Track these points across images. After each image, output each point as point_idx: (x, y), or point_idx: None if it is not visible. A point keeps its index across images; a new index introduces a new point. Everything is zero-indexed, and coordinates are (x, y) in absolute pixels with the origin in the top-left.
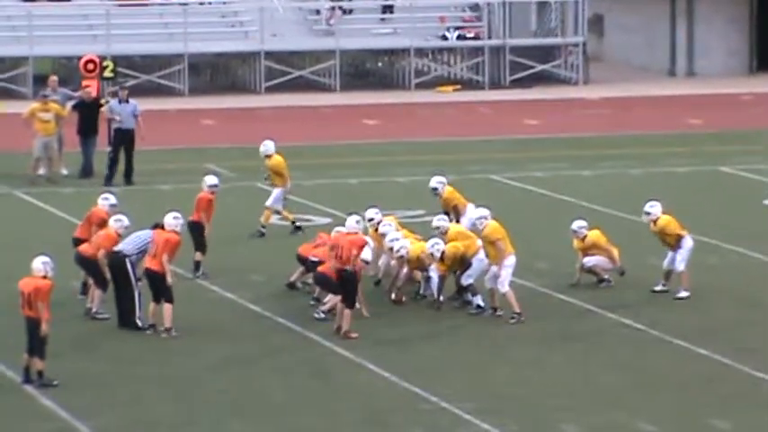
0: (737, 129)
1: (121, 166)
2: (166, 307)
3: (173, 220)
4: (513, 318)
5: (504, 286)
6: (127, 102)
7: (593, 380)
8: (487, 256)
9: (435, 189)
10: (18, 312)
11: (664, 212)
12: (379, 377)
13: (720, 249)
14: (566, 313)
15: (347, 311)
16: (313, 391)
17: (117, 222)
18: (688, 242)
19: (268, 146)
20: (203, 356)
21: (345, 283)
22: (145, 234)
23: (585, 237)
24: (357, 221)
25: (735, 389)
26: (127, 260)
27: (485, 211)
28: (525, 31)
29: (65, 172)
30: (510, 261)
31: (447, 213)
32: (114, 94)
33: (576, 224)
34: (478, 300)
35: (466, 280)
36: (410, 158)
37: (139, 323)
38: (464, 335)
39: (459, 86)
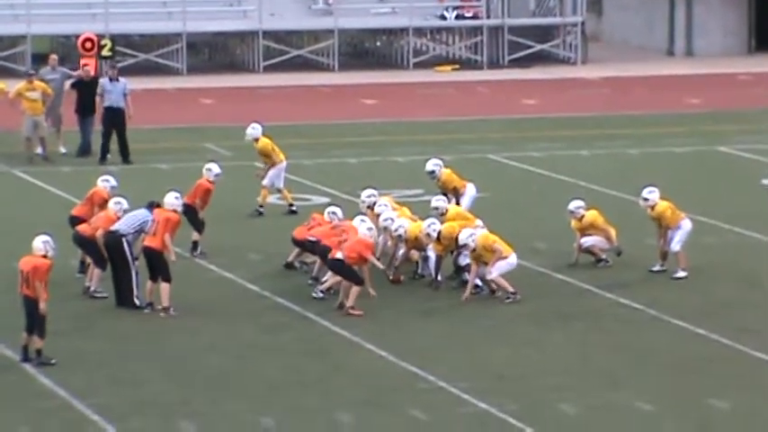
0: (736, 108)
1: (117, 146)
2: (164, 286)
3: (174, 200)
4: (508, 298)
5: (491, 274)
6: (117, 80)
7: (591, 360)
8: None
9: (432, 172)
10: (17, 291)
11: (662, 197)
12: (377, 356)
13: (718, 229)
14: (564, 293)
15: (355, 288)
16: (310, 370)
17: (116, 205)
18: (687, 224)
19: (257, 129)
20: (201, 336)
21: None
22: (141, 213)
23: (583, 217)
24: (369, 229)
25: (733, 369)
26: (123, 239)
27: (470, 231)
28: (524, 11)
29: (63, 150)
30: (512, 259)
31: (446, 194)
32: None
33: (573, 204)
34: (476, 279)
35: (463, 260)
36: (409, 138)
37: (137, 302)
38: (462, 314)
39: (457, 66)
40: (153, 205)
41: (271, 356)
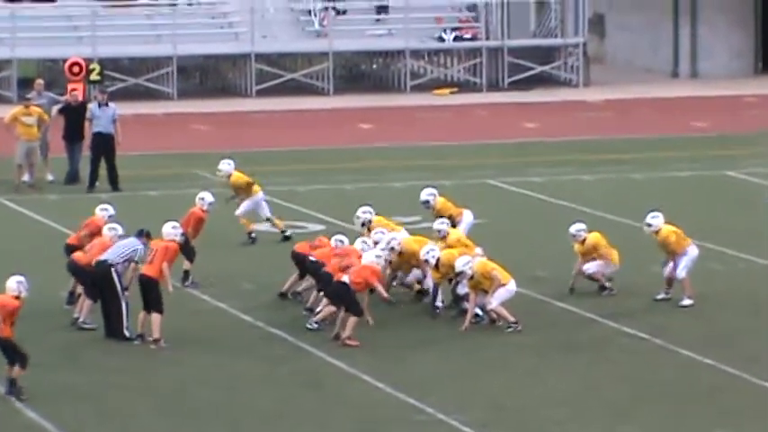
0: (742, 132)
1: (105, 173)
2: (155, 317)
3: (172, 230)
4: (509, 327)
5: (491, 304)
6: (107, 105)
7: (594, 391)
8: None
9: (426, 202)
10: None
11: (667, 222)
12: (374, 388)
13: (725, 256)
14: (566, 322)
15: (352, 319)
16: (305, 402)
17: (111, 231)
18: (693, 251)
19: (230, 165)
20: (192, 367)
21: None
22: (130, 242)
23: (585, 240)
24: (378, 256)
25: (741, 399)
26: (112, 269)
27: (466, 258)
28: (524, 32)
29: (50, 178)
30: (511, 286)
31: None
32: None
33: (575, 227)
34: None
35: (461, 288)
36: (406, 163)
37: (127, 333)
38: (461, 345)
39: (456, 89)
40: (143, 234)
41: (264, 388)
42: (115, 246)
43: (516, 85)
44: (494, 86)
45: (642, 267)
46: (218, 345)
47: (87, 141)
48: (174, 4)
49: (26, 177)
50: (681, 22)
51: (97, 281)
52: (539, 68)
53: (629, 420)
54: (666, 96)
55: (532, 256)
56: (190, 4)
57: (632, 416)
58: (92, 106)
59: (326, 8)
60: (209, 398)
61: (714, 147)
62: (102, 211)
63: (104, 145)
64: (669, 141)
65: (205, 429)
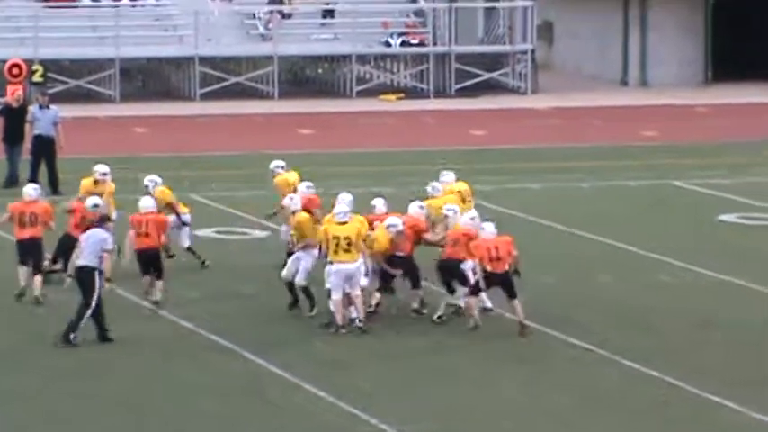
0: (692, 141)
1: (46, 176)
2: (159, 283)
3: (151, 202)
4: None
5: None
6: (48, 108)
7: (541, 402)
8: None
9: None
10: None
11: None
12: (317, 397)
13: (673, 267)
14: (512, 332)
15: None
16: (247, 409)
17: (94, 208)
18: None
19: (158, 182)
20: (133, 373)
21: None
22: (96, 234)
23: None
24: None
25: (686, 412)
26: (95, 272)
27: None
28: (472, 38)
29: None
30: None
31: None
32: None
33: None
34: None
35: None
36: (351, 169)
37: (72, 339)
38: (407, 354)
39: (402, 95)
40: (105, 220)
41: (208, 395)
42: (85, 246)
43: (464, 92)
44: (441, 93)
45: (588, 278)
46: (162, 351)
47: (28, 144)
48: (117, 6)
49: None
50: (630, 30)
51: (80, 285)
52: (486, 75)
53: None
54: (615, 105)
55: None
56: (133, 6)
57: (578, 427)
58: (32, 108)
59: (272, 12)
60: (152, 404)
61: (663, 156)
62: (93, 208)
63: (45, 148)
64: (618, 150)
65: None
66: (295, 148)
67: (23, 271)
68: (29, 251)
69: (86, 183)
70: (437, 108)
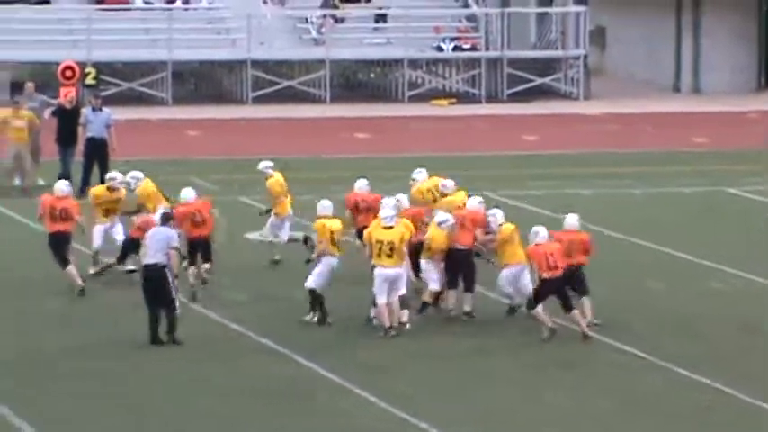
0: (744, 148)
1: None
2: (207, 266)
3: (190, 193)
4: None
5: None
6: (100, 110)
7: (586, 407)
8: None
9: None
10: None
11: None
12: (366, 402)
13: (724, 274)
14: (559, 337)
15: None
16: (295, 413)
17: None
18: None
19: (140, 176)
20: (182, 377)
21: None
22: (162, 232)
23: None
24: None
25: (730, 417)
26: (166, 270)
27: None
28: (524, 43)
29: (41, 182)
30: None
31: None
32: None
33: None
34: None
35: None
36: (402, 173)
37: (178, 338)
38: (454, 358)
39: (454, 100)
40: (167, 218)
41: (255, 397)
42: (152, 243)
43: (516, 97)
44: (493, 98)
45: (639, 284)
46: (209, 354)
47: (80, 146)
48: (170, 9)
49: (17, 181)
50: (683, 36)
51: (150, 284)
52: (539, 80)
53: None
54: (667, 111)
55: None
56: (186, 9)
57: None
58: (85, 111)
59: (325, 16)
60: (200, 406)
61: (715, 163)
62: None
63: (97, 150)
64: (669, 156)
65: None
66: (348, 152)
67: (71, 268)
68: (59, 244)
69: (98, 191)
70: (489, 113)
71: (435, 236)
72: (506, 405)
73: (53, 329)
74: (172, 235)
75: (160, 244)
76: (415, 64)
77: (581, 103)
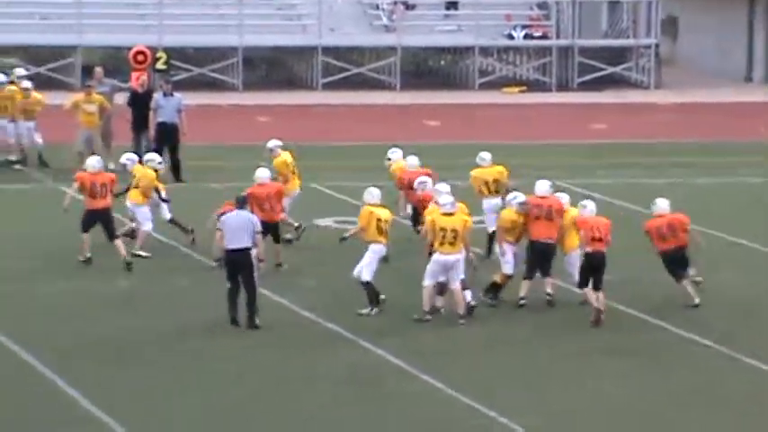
0: None
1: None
2: (279, 247)
3: (266, 173)
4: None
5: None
6: (171, 95)
7: (656, 400)
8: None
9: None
10: None
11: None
12: (433, 388)
13: None
14: (630, 326)
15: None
16: (362, 399)
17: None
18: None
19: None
20: (255, 361)
21: None
22: (245, 216)
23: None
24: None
25: None
26: (251, 254)
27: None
28: (595, 32)
29: (112, 166)
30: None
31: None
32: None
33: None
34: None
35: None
36: (471, 161)
37: (258, 322)
38: (520, 345)
39: (524, 88)
40: (243, 202)
41: (320, 386)
42: (238, 228)
43: (586, 86)
44: (563, 86)
45: (711, 274)
46: (277, 340)
47: (152, 131)
48: None
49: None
50: (756, 26)
51: (235, 268)
52: (609, 69)
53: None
54: (739, 101)
55: None
56: None
57: (690, 428)
58: (156, 96)
59: (396, 2)
60: (258, 390)
61: None
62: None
63: (168, 135)
64: (739, 147)
65: (250, 424)
66: (419, 139)
67: (87, 238)
68: (102, 220)
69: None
70: (559, 101)
71: (505, 214)
72: (572, 393)
73: (121, 313)
74: (254, 219)
75: (246, 228)
76: (485, 51)
77: (652, 92)
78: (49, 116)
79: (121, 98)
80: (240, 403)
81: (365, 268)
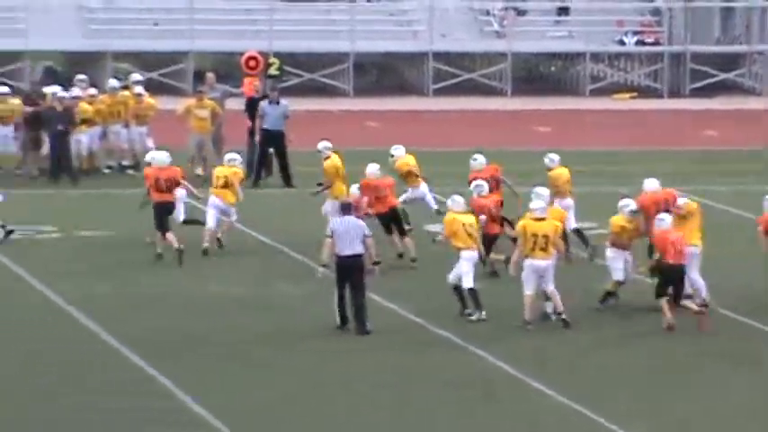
0: None
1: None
2: (408, 240)
3: (376, 169)
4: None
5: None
6: (277, 103)
7: (752, 402)
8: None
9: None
10: None
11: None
12: (543, 394)
13: None
14: (741, 334)
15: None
16: (468, 403)
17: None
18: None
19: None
20: (363, 363)
21: None
22: (353, 222)
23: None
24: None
25: None
26: (363, 259)
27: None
28: (708, 38)
29: (200, 172)
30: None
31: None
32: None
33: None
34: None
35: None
36: (583, 168)
37: (369, 327)
38: (632, 348)
39: (635, 94)
40: (348, 207)
41: (424, 386)
42: (347, 234)
43: (698, 92)
44: (675, 93)
45: None
46: (385, 344)
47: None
48: (353, 1)
49: (198, 170)
50: None
51: (347, 273)
52: (722, 75)
53: None
54: None
55: (711, 268)
56: (369, 1)
57: None
58: (263, 104)
59: (507, 8)
60: (381, 402)
61: None
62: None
63: (273, 141)
64: None
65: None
66: (530, 145)
67: (170, 234)
68: (164, 213)
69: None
70: (671, 108)
71: (613, 220)
72: (683, 401)
73: (225, 315)
74: (363, 224)
75: (357, 234)
76: (596, 57)
77: (764, 98)
78: (161, 121)
79: (234, 103)
80: (363, 409)
81: (464, 276)
